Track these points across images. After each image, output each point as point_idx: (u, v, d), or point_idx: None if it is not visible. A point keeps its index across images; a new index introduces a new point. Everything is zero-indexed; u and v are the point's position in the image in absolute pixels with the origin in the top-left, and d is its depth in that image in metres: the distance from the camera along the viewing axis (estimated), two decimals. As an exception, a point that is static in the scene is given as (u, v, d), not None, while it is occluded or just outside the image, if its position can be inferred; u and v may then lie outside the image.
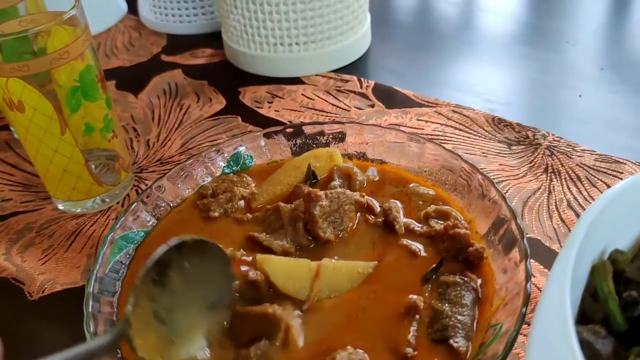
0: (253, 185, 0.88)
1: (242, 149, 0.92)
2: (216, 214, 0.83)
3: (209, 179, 0.90)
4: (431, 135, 1.04)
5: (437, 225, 0.77)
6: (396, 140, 0.89)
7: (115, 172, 0.96)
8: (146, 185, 0.99)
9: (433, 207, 0.81)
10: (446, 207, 0.81)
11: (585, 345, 0.58)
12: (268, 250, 0.76)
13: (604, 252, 0.66)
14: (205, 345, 0.64)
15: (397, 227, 0.78)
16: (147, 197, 0.84)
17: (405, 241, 0.77)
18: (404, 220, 0.80)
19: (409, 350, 0.64)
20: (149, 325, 0.60)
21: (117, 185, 0.97)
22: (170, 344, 0.62)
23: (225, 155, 0.91)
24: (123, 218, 0.80)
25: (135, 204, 0.82)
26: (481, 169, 0.81)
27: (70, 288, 0.83)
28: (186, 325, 0.63)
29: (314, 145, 0.93)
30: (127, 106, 1.21)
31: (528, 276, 0.65)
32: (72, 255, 0.88)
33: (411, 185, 0.85)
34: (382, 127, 0.91)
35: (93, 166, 0.93)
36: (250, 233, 0.78)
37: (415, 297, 0.69)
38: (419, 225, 0.79)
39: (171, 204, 0.86)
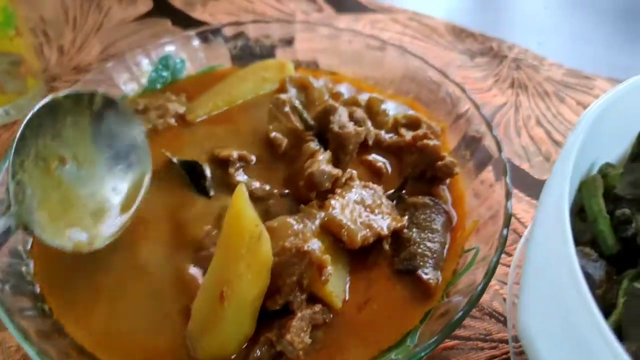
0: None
1: (172, 50, 0.78)
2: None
3: (134, 85, 0.76)
4: (388, 43, 0.94)
5: (407, 134, 0.67)
6: (352, 45, 0.78)
7: (20, 78, 0.81)
8: (59, 95, 0.85)
9: (402, 112, 0.71)
10: (416, 113, 0.71)
11: (577, 269, 0.51)
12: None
13: (592, 167, 0.58)
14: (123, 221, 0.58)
15: (369, 142, 0.67)
16: (59, 106, 0.70)
17: (372, 156, 0.67)
18: (373, 130, 0.69)
19: None
20: (45, 190, 0.53)
21: (24, 94, 0.82)
22: (77, 212, 0.56)
23: (153, 58, 0.77)
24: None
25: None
26: (443, 80, 0.72)
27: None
28: (92, 189, 0.57)
29: (257, 49, 0.80)
30: (35, 5, 1.04)
31: (509, 194, 0.57)
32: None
33: (372, 94, 0.74)
34: (337, 28, 0.79)
35: (-8, 70, 0.78)
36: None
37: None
38: (388, 135, 0.69)
39: (89, 115, 0.72)
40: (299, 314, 0.52)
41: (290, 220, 0.56)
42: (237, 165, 0.65)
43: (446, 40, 0.95)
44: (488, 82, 0.87)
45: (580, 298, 0.40)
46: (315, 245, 0.53)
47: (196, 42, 0.79)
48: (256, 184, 0.63)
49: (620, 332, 0.46)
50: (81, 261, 0.56)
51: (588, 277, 0.50)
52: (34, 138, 0.54)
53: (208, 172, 0.64)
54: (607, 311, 0.48)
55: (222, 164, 0.65)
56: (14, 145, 0.51)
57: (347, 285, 0.57)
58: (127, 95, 0.75)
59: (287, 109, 0.68)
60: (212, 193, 0.63)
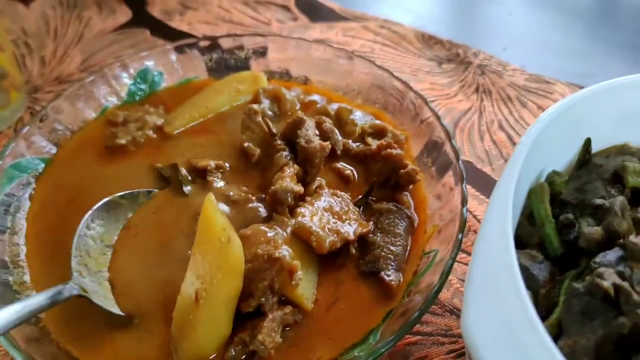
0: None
1: (150, 64, 0.82)
2: (122, 142, 0.73)
3: (114, 98, 0.80)
4: (359, 51, 0.97)
5: (374, 143, 0.71)
6: (323, 56, 0.81)
7: (3, 91, 0.84)
8: (42, 106, 0.88)
9: (369, 122, 0.75)
10: (381, 122, 0.75)
11: (522, 270, 0.55)
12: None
13: (541, 174, 0.63)
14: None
15: (337, 152, 0.72)
16: (42, 119, 0.73)
17: (340, 164, 0.71)
18: (341, 139, 0.73)
19: None
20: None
21: (7, 107, 0.85)
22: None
23: (132, 71, 0.81)
24: (14, 144, 0.69)
25: (28, 127, 0.71)
26: (411, 88, 0.76)
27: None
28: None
29: (232, 61, 0.84)
30: (17, 17, 1.06)
31: (464, 200, 0.62)
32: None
33: (342, 104, 0.79)
34: (308, 41, 0.83)
35: (-24, 85, 0.81)
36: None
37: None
38: (355, 144, 0.73)
39: (71, 128, 0.76)
40: (270, 316, 0.56)
41: (263, 228, 0.60)
42: (215, 173, 0.69)
43: (415, 47, 0.99)
44: (454, 87, 0.92)
45: (520, 301, 0.44)
46: (285, 251, 0.57)
47: (173, 56, 0.83)
48: (233, 190, 0.67)
49: (561, 329, 0.50)
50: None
51: (533, 277, 0.54)
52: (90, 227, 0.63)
53: (184, 171, 0.69)
54: (550, 309, 0.52)
55: (200, 173, 0.69)
56: (78, 232, 0.61)
57: (317, 287, 0.61)
58: (107, 108, 0.78)
59: (259, 119, 0.72)
60: (188, 188, 0.68)
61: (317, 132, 0.71)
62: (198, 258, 0.56)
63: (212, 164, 0.69)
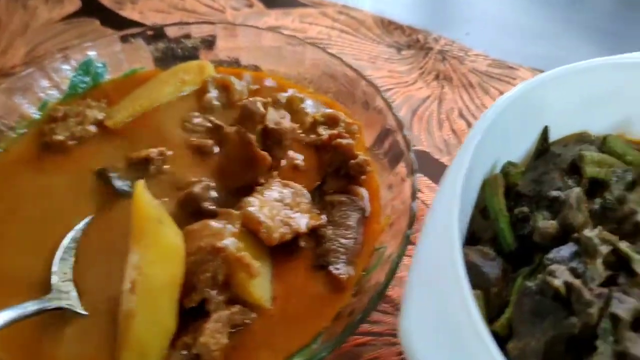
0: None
1: (93, 54, 0.77)
2: (60, 138, 0.69)
3: (55, 92, 0.76)
4: (315, 38, 0.94)
5: (326, 133, 0.68)
6: (273, 44, 0.78)
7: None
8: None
9: (321, 111, 0.73)
10: (334, 111, 0.72)
11: (472, 268, 0.52)
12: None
13: (496, 164, 0.60)
14: None
15: (285, 142, 0.68)
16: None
17: (292, 154, 0.68)
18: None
19: None
20: None
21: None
22: None
23: (74, 63, 0.77)
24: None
25: (-41, 124, 0.67)
26: (368, 76, 0.73)
27: None
28: None
29: (179, 51, 0.80)
30: (-44, 6, 1.02)
31: (414, 194, 0.59)
32: None
33: (292, 92, 0.75)
34: (258, 28, 0.79)
35: None
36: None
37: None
38: (306, 134, 0.71)
39: (7, 124, 0.72)
40: (215, 315, 0.53)
41: (210, 222, 0.57)
42: (158, 161, 0.66)
43: (374, 33, 0.96)
44: (413, 75, 0.89)
45: (463, 302, 0.41)
46: (229, 242, 0.55)
47: (118, 46, 0.79)
48: (179, 180, 0.65)
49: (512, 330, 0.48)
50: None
51: (484, 275, 0.51)
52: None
53: (113, 173, 0.66)
54: (502, 309, 0.49)
55: (143, 164, 0.66)
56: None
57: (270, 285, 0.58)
58: (47, 102, 0.74)
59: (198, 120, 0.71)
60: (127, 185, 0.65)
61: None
62: (133, 247, 0.54)
63: (155, 151, 0.66)
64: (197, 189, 0.62)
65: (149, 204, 0.54)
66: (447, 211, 0.47)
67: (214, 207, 0.61)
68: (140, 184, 0.55)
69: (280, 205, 0.61)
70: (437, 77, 0.88)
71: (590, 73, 0.61)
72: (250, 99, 0.71)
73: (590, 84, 0.62)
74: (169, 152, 0.67)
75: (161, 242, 0.53)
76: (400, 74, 0.89)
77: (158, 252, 0.53)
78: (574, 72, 0.61)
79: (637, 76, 0.62)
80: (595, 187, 0.58)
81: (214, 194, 0.63)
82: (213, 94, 0.75)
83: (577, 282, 0.46)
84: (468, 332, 0.40)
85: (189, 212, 0.61)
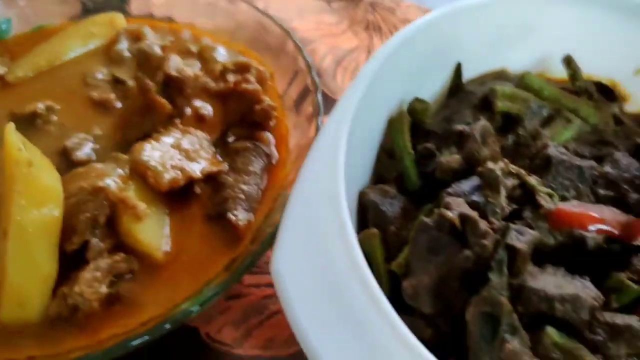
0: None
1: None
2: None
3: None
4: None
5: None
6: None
7: None
8: None
9: (233, 59, 0.69)
10: (245, 58, 0.69)
11: (370, 207, 0.49)
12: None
13: (403, 103, 0.56)
14: None
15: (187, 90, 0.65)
16: None
17: (197, 103, 0.65)
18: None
19: None
20: None
21: None
22: None
23: (-26, 19, 0.72)
24: None
25: None
26: (293, 27, 0.69)
27: None
28: None
29: (91, 4, 0.76)
30: None
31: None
32: None
33: (206, 41, 0.72)
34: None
35: None
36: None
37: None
38: (216, 83, 0.67)
39: None
40: (93, 264, 0.50)
41: (97, 165, 0.56)
42: (45, 116, 0.63)
43: (306, -15, 0.92)
44: (342, 26, 0.85)
45: (343, 240, 0.38)
46: (111, 181, 0.52)
47: (22, 1, 0.74)
48: (71, 136, 0.61)
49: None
50: None
51: (382, 214, 0.48)
52: None
53: None
54: (401, 249, 0.46)
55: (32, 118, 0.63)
56: None
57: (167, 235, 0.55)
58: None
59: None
60: None
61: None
62: (7, 194, 0.51)
63: (41, 105, 0.61)
64: (69, 142, 0.59)
65: (17, 148, 0.51)
66: (333, 142, 0.44)
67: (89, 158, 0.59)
68: (10, 128, 0.52)
69: (176, 152, 0.57)
70: (367, 28, 0.85)
71: (505, 4, 0.58)
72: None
73: (506, 16, 0.58)
74: (57, 107, 0.64)
75: (32, 184, 0.50)
76: (329, 25, 0.85)
77: (30, 196, 0.50)
78: (488, 2, 0.57)
79: (554, 11, 0.59)
80: (510, 124, 0.55)
81: (91, 146, 0.60)
82: (123, 45, 0.71)
83: (473, 214, 0.43)
84: (346, 270, 0.37)
85: (67, 165, 0.58)
